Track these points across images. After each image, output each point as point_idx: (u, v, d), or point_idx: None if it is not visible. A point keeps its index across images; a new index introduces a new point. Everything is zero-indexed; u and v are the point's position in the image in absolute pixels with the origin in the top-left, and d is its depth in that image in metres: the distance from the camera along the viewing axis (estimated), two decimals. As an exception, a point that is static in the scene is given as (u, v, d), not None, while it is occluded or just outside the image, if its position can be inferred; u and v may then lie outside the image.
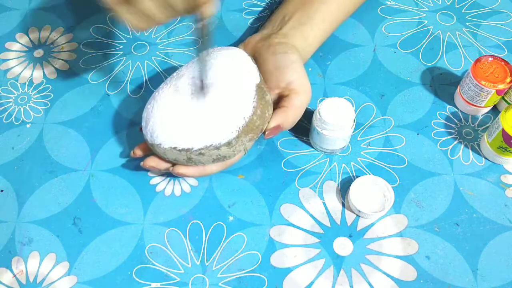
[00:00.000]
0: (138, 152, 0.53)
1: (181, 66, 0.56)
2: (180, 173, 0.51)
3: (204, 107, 0.49)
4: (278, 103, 0.52)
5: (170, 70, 0.64)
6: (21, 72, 0.65)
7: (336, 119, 0.52)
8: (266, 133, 0.51)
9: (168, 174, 0.56)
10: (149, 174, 0.56)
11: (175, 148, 0.49)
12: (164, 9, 0.42)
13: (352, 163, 0.56)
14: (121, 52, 0.66)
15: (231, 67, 0.51)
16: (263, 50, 0.54)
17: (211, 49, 0.53)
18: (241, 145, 0.49)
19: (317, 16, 0.58)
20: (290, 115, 0.51)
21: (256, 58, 0.54)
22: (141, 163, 0.52)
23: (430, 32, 0.68)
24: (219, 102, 0.49)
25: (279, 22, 0.58)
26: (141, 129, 0.53)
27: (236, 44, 0.67)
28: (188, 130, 0.48)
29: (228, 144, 0.49)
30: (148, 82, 0.63)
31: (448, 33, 0.67)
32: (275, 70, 0.52)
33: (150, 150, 0.53)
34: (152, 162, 0.52)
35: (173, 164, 0.51)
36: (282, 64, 0.52)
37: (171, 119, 0.49)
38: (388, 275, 0.49)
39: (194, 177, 0.54)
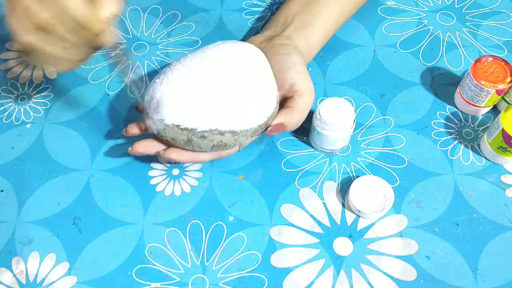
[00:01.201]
0: (132, 131, 0.52)
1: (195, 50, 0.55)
2: (170, 158, 0.50)
3: (222, 91, 0.48)
4: (281, 104, 0.52)
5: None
6: (21, 72, 0.65)
7: (336, 119, 0.52)
8: (269, 129, 0.50)
9: (168, 174, 0.56)
10: (150, 169, 0.56)
11: (178, 126, 0.48)
12: (66, 50, 0.42)
13: (352, 163, 0.56)
14: (121, 52, 0.66)
15: (255, 62, 0.51)
16: (266, 51, 0.54)
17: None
18: (243, 136, 0.50)
19: (319, 18, 0.58)
20: (295, 116, 0.51)
21: None
22: (129, 149, 0.51)
23: (430, 32, 0.68)
24: (242, 92, 0.48)
25: (282, 23, 0.58)
26: (137, 107, 0.53)
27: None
28: (198, 109, 0.48)
29: (233, 132, 0.48)
30: (148, 82, 0.63)
31: (448, 33, 0.67)
32: (278, 72, 0.52)
33: (145, 131, 0.52)
34: (141, 148, 0.51)
35: (166, 147, 0.51)
36: (285, 65, 0.52)
37: (181, 94, 0.48)
38: (388, 275, 0.49)
39: (183, 162, 0.53)
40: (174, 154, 0.50)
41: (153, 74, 0.64)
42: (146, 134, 0.52)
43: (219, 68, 0.49)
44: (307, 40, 0.57)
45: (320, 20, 0.58)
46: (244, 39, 0.67)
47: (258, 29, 0.69)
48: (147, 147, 0.51)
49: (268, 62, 0.53)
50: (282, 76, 0.52)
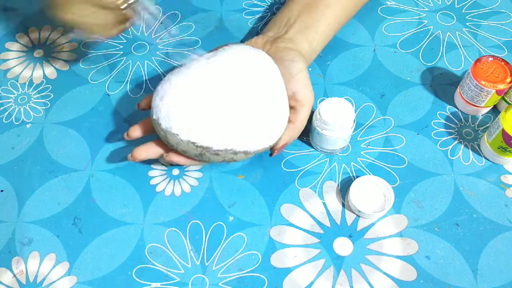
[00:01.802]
0: (135, 134, 0.52)
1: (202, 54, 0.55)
2: (172, 160, 0.50)
3: (242, 111, 0.47)
4: None
5: (170, 70, 0.64)
6: (21, 72, 0.65)
7: (336, 119, 0.52)
8: (275, 152, 0.52)
9: (168, 174, 0.56)
10: (151, 169, 0.56)
11: (193, 143, 0.46)
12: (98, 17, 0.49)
13: (352, 163, 0.56)
14: (121, 52, 0.66)
15: (271, 75, 0.50)
16: (270, 55, 0.53)
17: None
18: (254, 154, 0.50)
19: (322, 19, 0.58)
20: (296, 131, 0.52)
21: None
22: (129, 156, 0.51)
23: (430, 32, 0.67)
24: (261, 113, 0.47)
25: (284, 24, 0.58)
26: (139, 105, 0.53)
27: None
28: (217, 128, 0.46)
29: (247, 152, 0.48)
30: (148, 82, 0.63)
31: (448, 33, 0.67)
32: (282, 77, 0.52)
33: (150, 132, 0.51)
34: (141, 155, 0.50)
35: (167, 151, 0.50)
36: (289, 72, 0.52)
37: (198, 111, 0.46)
38: (388, 275, 0.49)
39: (183, 164, 0.53)
40: (175, 158, 0.50)
41: (153, 74, 0.64)
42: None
43: (236, 83, 0.48)
44: (310, 42, 0.57)
45: (323, 23, 0.58)
46: (244, 39, 0.67)
47: (258, 29, 0.69)
48: (148, 152, 0.51)
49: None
50: (286, 82, 0.52)
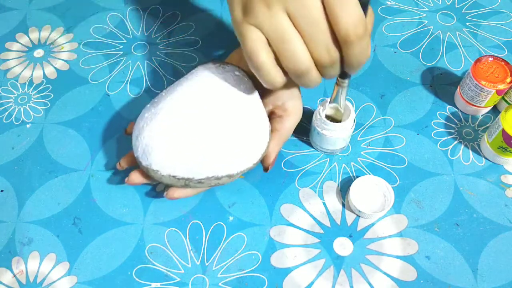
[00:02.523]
0: (124, 165, 0.52)
1: (182, 67, 0.54)
2: (173, 197, 0.50)
3: (217, 136, 0.46)
4: (269, 119, 0.52)
5: (170, 70, 0.64)
6: (21, 72, 0.65)
7: (336, 119, 0.52)
8: (270, 167, 0.51)
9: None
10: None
11: (174, 176, 0.47)
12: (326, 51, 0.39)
13: (352, 163, 0.56)
14: (121, 52, 0.66)
15: (242, 92, 0.48)
16: None
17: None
18: (239, 175, 0.49)
19: None
20: (283, 138, 0.51)
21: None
22: (126, 180, 0.50)
23: (430, 32, 0.67)
24: (238, 134, 0.47)
25: None
26: (126, 131, 0.53)
27: (237, 44, 0.67)
28: (193, 160, 0.46)
29: (230, 175, 0.48)
30: (148, 82, 0.63)
31: (448, 33, 0.67)
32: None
33: (136, 163, 0.50)
34: (138, 179, 0.50)
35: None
36: None
37: (174, 144, 0.46)
38: (388, 275, 0.49)
39: (185, 197, 0.52)
40: (177, 193, 0.49)
41: (153, 74, 0.64)
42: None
43: (208, 110, 0.46)
44: None
45: None
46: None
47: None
48: (142, 179, 0.50)
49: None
50: (275, 93, 0.51)
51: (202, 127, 0.46)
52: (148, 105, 0.50)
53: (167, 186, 0.50)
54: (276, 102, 0.51)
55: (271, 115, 0.52)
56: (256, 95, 0.50)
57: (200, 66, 0.51)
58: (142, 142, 0.47)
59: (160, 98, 0.49)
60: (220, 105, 0.47)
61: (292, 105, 0.51)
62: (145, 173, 0.49)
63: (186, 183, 0.47)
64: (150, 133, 0.46)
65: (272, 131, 0.51)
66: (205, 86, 0.48)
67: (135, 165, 0.51)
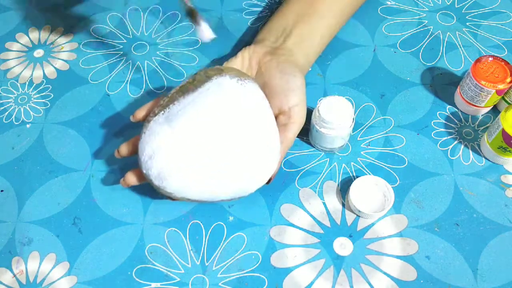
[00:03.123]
0: (124, 152, 0.50)
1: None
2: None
3: (235, 163, 0.45)
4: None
5: (170, 70, 0.64)
6: (21, 72, 0.65)
7: (335, 118, 0.52)
8: (271, 180, 0.51)
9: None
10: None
11: (188, 199, 0.47)
12: None
13: (352, 163, 0.56)
14: (121, 52, 0.66)
15: (260, 113, 0.47)
16: (270, 66, 0.53)
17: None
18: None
19: (317, 31, 0.58)
20: (285, 151, 0.52)
21: (262, 72, 0.54)
22: (121, 181, 0.49)
23: (430, 32, 0.67)
24: (254, 159, 0.46)
25: (281, 34, 0.57)
26: (135, 117, 0.51)
27: (237, 44, 0.67)
28: (210, 187, 0.46)
29: (242, 196, 0.49)
30: (148, 82, 0.63)
31: (448, 33, 0.67)
32: (281, 91, 0.52)
33: (135, 152, 0.50)
34: (135, 181, 0.49)
35: None
36: (289, 86, 0.52)
37: (193, 171, 0.45)
38: (388, 275, 0.49)
39: None
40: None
41: (153, 74, 0.64)
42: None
43: (229, 133, 0.45)
44: (306, 55, 0.57)
45: (318, 34, 0.59)
46: (244, 39, 0.67)
47: (258, 29, 0.68)
48: (140, 179, 0.50)
49: (273, 80, 0.52)
50: (284, 97, 0.51)
51: (221, 153, 0.45)
52: (158, 119, 0.46)
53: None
54: (283, 106, 0.51)
55: (277, 119, 0.52)
56: (271, 113, 0.49)
57: (217, 78, 0.48)
58: (158, 164, 0.45)
59: (172, 112, 0.46)
60: (239, 129, 0.46)
61: (297, 111, 0.51)
62: (147, 178, 0.48)
63: (199, 202, 0.48)
64: (168, 157, 0.45)
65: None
66: (223, 107, 0.46)
67: (134, 154, 0.50)
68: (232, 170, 0.45)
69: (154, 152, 0.45)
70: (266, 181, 0.49)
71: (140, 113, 0.51)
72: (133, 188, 0.55)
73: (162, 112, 0.47)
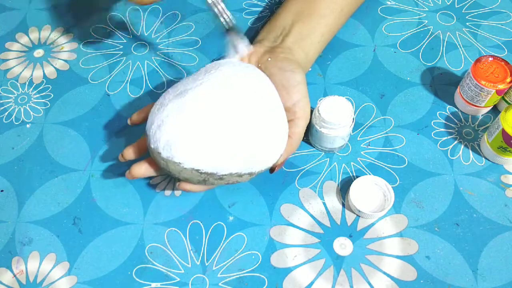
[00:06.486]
0: (129, 156, 0.50)
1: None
2: (184, 189, 0.49)
3: (245, 132, 0.45)
4: None
5: (170, 70, 0.64)
6: (21, 72, 0.65)
7: (335, 117, 0.52)
8: (276, 169, 0.51)
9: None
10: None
11: (197, 170, 0.45)
12: None
13: (352, 163, 0.56)
14: (121, 52, 0.67)
15: (267, 91, 0.49)
16: (269, 64, 0.53)
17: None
18: (258, 173, 0.49)
19: (316, 30, 0.58)
20: (295, 145, 0.51)
21: (262, 71, 0.54)
22: (126, 173, 0.49)
23: (430, 32, 0.67)
24: (264, 132, 0.46)
25: (280, 33, 0.58)
26: (132, 120, 0.52)
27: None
28: (220, 154, 0.45)
29: (251, 173, 0.48)
30: (148, 82, 0.64)
31: (448, 33, 0.67)
32: (282, 88, 0.52)
33: (144, 153, 0.50)
34: (142, 171, 0.49)
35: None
36: (289, 83, 0.52)
37: (200, 137, 0.44)
38: (388, 275, 0.49)
39: (200, 191, 0.51)
40: (188, 186, 0.48)
41: (153, 74, 0.64)
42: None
43: (236, 104, 0.46)
44: (305, 54, 0.57)
45: (317, 33, 0.58)
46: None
47: (258, 29, 0.69)
48: (147, 171, 0.49)
49: (273, 77, 0.52)
50: (286, 93, 0.51)
51: (231, 122, 0.45)
52: (168, 95, 0.47)
53: (178, 180, 0.49)
54: (286, 103, 0.51)
55: None
56: (277, 96, 0.50)
57: (220, 61, 0.52)
58: (166, 132, 0.44)
59: (182, 89, 0.47)
60: (249, 103, 0.46)
61: (302, 107, 0.51)
62: (154, 164, 0.47)
63: (206, 178, 0.46)
64: (177, 124, 0.44)
65: None
66: (231, 81, 0.47)
67: (139, 157, 0.50)
68: (242, 141, 0.45)
69: (163, 121, 0.45)
70: (273, 162, 0.49)
71: (137, 117, 0.52)
72: (133, 188, 0.55)
73: (173, 91, 0.48)
